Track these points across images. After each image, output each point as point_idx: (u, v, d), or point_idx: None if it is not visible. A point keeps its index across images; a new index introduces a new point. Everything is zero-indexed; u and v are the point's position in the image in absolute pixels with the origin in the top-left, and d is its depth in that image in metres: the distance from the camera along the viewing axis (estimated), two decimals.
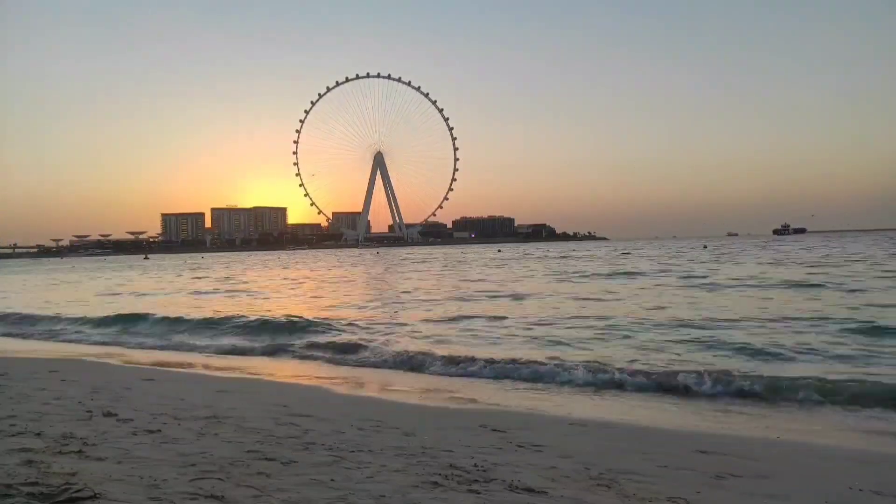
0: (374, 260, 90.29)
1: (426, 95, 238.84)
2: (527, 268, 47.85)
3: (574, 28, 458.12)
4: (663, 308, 18.72)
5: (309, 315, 18.68)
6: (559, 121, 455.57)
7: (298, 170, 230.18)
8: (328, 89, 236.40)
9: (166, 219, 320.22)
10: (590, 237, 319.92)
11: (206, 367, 12.06)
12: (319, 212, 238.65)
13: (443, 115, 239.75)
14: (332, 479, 4.44)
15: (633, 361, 10.73)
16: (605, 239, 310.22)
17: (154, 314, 20.11)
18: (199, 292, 32.89)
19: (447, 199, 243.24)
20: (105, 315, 20.58)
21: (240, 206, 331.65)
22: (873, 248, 63.66)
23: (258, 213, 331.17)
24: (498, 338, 14.12)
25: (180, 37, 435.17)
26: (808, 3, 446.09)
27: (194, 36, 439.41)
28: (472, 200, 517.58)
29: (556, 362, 10.70)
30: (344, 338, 14.49)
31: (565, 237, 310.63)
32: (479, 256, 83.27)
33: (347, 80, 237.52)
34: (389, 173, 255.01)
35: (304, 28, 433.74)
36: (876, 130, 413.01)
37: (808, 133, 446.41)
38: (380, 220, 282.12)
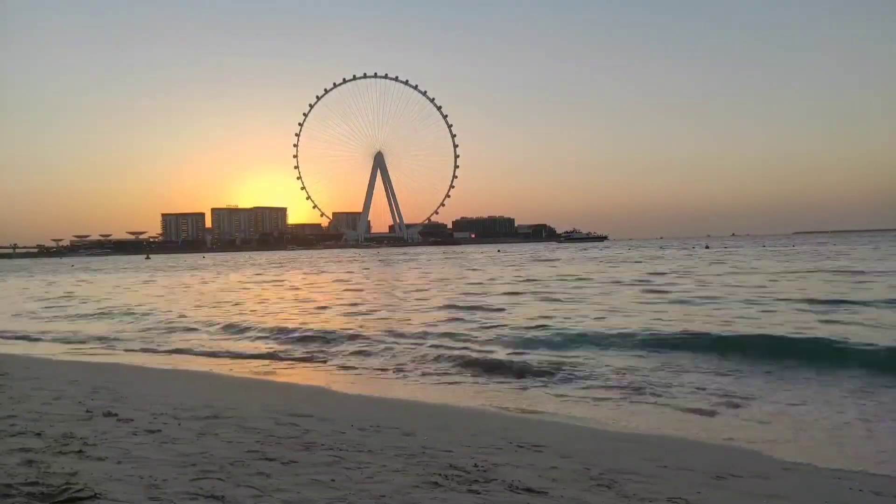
0: (343, 259, 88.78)
1: (426, 95, 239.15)
2: None
3: (575, 28, 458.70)
4: None
5: None
6: (560, 121, 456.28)
7: (299, 170, 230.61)
8: (329, 89, 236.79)
9: (166, 219, 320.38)
10: (590, 237, 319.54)
11: (207, 367, 12.06)
12: (314, 207, 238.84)
13: (443, 115, 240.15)
14: (332, 480, 4.43)
15: None
16: (605, 238, 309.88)
17: None
18: None
19: (447, 199, 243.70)
20: None
21: (240, 206, 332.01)
22: None
23: (258, 214, 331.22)
24: None
25: (180, 36, 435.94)
26: (813, 4, 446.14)
27: (194, 36, 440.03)
28: (472, 200, 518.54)
29: None
30: None
31: (557, 238, 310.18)
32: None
33: (353, 77, 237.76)
34: (390, 173, 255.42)
35: (305, 28, 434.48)
36: (881, 129, 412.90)
37: (814, 133, 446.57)
38: (380, 220, 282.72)
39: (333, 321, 18.37)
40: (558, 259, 64.86)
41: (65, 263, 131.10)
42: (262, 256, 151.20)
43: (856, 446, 6.39)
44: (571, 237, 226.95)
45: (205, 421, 6.38)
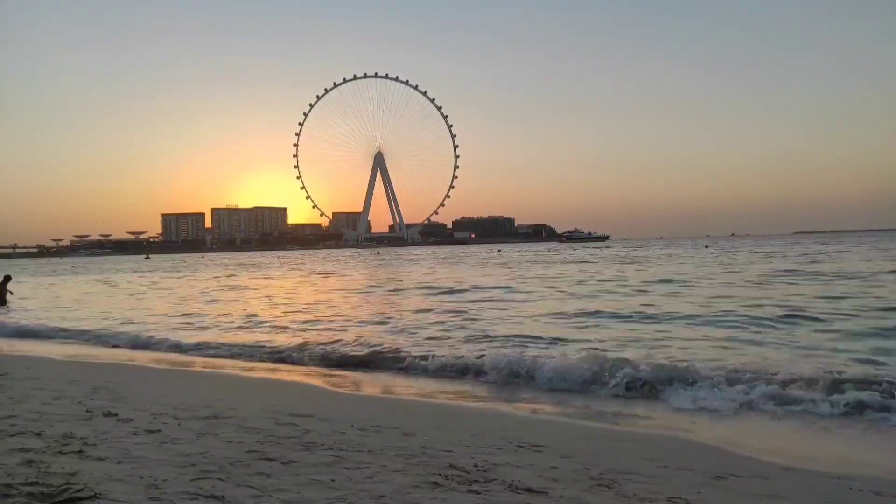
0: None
1: (426, 95, 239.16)
2: None
3: (575, 28, 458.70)
4: None
5: None
6: (559, 120, 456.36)
7: (299, 169, 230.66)
8: (329, 89, 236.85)
9: (166, 219, 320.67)
10: (592, 237, 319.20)
11: (207, 367, 12.05)
12: (313, 207, 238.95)
13: (443, 115, 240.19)
14: (332, 480, 4.44)
15: None
16: (607, 238, 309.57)
17: None
18: None
19: (447, 199, 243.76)
20: None
21: (240, 206, 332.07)
22: None
23: (258, 213, 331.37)
24: None
25: (180, 36, 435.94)
26: (813, 4, 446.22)
27: (194, 36, 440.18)
28: (472, 200, 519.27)
29: None
30: None
31: (559, 238, 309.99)
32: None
33: (353, 77, 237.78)
34: (390, 173, 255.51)
35: (305, 28, 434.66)
36: (881, 129, 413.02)
37: (814, 133, 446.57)
38: (380, 220, 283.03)
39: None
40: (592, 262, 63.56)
41: (63, 263, 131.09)
42: (242, 256, 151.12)
43: None
44: (573, 237, 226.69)
45: (205, 421, 6.38)
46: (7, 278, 26.42)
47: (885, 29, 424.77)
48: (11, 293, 26.28)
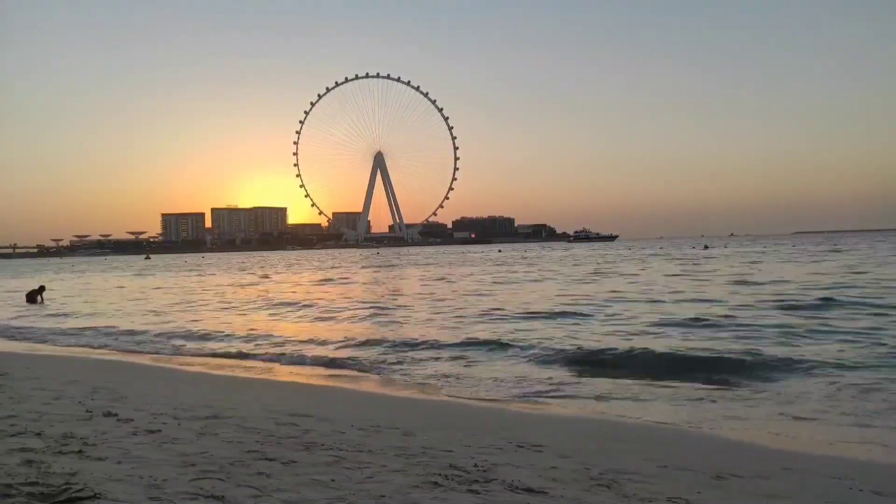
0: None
1: (426, 95, 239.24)
2: None
3: (575, 28, 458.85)
4: None
5: None
6: (560, 121, 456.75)
7: (298, 168, 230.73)
8: (330, 88, 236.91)
9: (166, 219, 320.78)
10: (600, 237, 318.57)
11: (207, 367, 12.05)
12: (317, 210, 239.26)
13: (443, 115, 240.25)
14: (332, 480, 4.44)
15: None
16: (615, 238, 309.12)
17: None
18: None
19: (447, 199, 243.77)
20: None
21: (240, 206, 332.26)
22: None
23: (258, 213, 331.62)
24: None
25: (180, 36, 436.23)
26: (813, 4, 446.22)
27: (194, 36, 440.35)
28: (472, 200, 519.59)
29: None
30: None
31: (565, 237, 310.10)
32: None
33: (353, 78, 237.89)
34: (389, 173, 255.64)
35: (305, 28, 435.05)
36: (881, 129, 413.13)
37: (814, 133, 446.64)
38: (380, 220, 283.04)
39: None
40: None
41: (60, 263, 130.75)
42: (231, 257, 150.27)
43: None
44: (580, 237, 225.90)
45: (205, 421, 6.38)
46: (41, 288, 29.94)
47: (885, 29, 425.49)
48: (42, 300, 28.91)
